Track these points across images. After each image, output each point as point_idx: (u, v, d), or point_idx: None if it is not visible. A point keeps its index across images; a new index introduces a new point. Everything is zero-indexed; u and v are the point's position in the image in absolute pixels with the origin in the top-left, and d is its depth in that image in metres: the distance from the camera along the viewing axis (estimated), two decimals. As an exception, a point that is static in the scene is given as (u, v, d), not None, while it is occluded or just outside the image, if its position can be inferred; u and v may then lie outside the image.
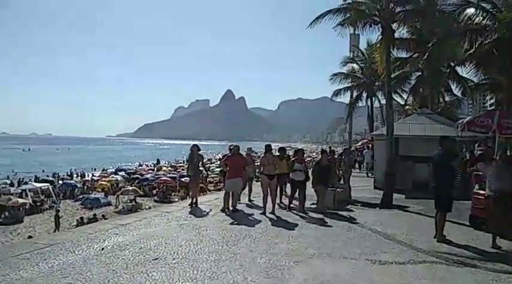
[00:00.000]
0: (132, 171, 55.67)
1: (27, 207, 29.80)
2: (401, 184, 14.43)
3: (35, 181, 41.58)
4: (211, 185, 36.93)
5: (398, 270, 6.00)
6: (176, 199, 30.76)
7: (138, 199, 32.45)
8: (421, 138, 15.56)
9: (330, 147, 29.59)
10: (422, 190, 13.27)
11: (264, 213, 10.55)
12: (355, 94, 32.53)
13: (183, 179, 35.22)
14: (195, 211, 11.04)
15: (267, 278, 5.57)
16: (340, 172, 15.28)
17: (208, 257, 6.49)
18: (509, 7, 14.37)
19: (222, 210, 10.92)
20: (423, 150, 13.43)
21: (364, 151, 29.30)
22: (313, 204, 11.64)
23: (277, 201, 11.75)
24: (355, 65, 31.80)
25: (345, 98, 33.80)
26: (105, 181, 42.61)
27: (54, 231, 22.23)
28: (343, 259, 6.55)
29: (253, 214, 10.58)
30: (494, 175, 7.78)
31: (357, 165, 28.32)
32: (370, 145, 27.45)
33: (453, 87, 26.45)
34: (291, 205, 11.54)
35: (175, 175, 41.08)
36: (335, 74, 31.82)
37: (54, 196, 34.84)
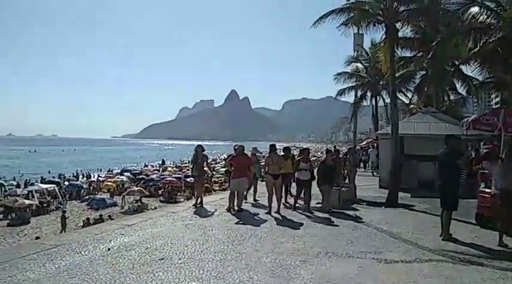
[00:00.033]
0: (137, 171, 55.85)
1: (33, 208, 29.99)
2: (406, 183, 14.40)
3: (41, 183, 41.80)
4: (217, 185, 36.98)
5: (405, 269, 6.00)
6: (182, 199, 30.84)
7: (144, 200, 32.59)
8: (426, 136, 15.52)
9: (334, 147, 29.59)
10: (428, 189, 13.23)
11: (269, 213, 10.56)
12: (359, 93, 32.46)
13: (188, 179, 35.29)
14: (201, 211, 11.07)
15: (272, 277, 5.58)
16: (345, 171, 15.27)
17: (214, 257, 6.50)
18: (514, 5, 14.32)
19: (228, 210, 10.96)
20: (428, 149, 13.41)
21: (369, 150, 29.27)
22: (318, 203, 11.65)
23: (283, 200, 11.76)
24: (359, 64, 31.75)
25: (349, 97, 33.80)
26: (110, 181, 42.79)
27: (61, 232, 22.34)
28: (348, 258, 6.55)
29: (258, 214, 10.60)
30: (500, 174, 7.74)
31: (362, 164, 28.28)
32: (375, 144, 27.42)
33: (458, 85, 26.36)
34: (296, 205, 11.55)
35: (180, 176, 41.15)
36: (339, 73, 31.77)
37: (60, 197, 35.01)
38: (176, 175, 42.31)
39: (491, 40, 14.71)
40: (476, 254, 6.80)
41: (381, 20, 13.48)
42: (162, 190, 37.52)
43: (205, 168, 12.75)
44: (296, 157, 13.17)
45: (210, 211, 10.96)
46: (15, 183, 44.79)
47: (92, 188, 41.80)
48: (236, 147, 12.00)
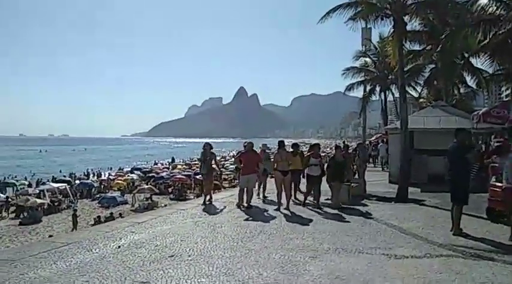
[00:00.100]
0: (147, 169, 56.18)
1: (45, 206, 30.24)
2: (416, 178, 14.32)
3: (53, 182, 42.23)
4: (226, 182, 37.07)
5: (414, 264, 5.96)
6: (191, 197, 30.93)
7: (154, 198, 32.77)
8: (436, 131, 15.40)
9: (344, 142, 29.51)
10: (438, 183, 13.10)
11: (278, 209, 10.57)
12: (368, 88, 32.32)
13: (197, 177, 35.43)
14: (210, 208, 11.10)
15: (282, 273, 5.58)
16: (355, 166, 15.21)
17: (223, 253, 6.52)
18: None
19: (237, 205, 11.04)
20: (438, 143, 13.29)
21: (378, 145, 29.10)
22: (327, 199, 11.62)
23: (292, 197, 11.75)
24: (367, 59, 31.57)
25: (358, 92, 33.62)
26: (121, 180, 43.09)
27: (72, 230, 22.55)
28: (358, 253, 6.53)
29: (267, 210, 10.60)
30: (511, 167, 7.65)
31: (371, 159, 28.15)
32: (384, 139, 27.26)
33: (468, 78, 26.08)
34: (306, 201, 11.53)
35: (190, 173, 41.32)
36: (348, 68, 31.62)
37: (71, 195, 35.34)
38: (186, 173, 42.48)
39: (500, 32, 14.55)
40: (487, 249, 6.73)
41: (389, 14, 13.39)
42: (172, 187, 37.74)
43: (214, 166, 12.80)
44: (306, 153, 13.13)
45: (219, 208, 10.99)
46: (26, 182, 45.28)
47: (102, 186, 42.16)
48: (245, 144, 12.05)
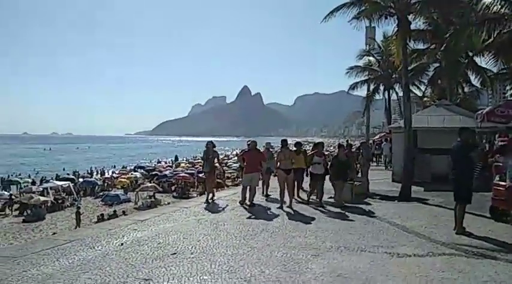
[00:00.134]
0: (151, 167, 56.27)
1: (48, 204, 30.33)
2: (419, 177, 14.29)
3: (56, 180, 42.34)
4: (229, 180, 37.09)
5: (417, 263, 5.95)
6: (194, 195, 31.00)
7: (157, 196, 32.86)
8: (440, 130, 15.35)
9: (347, 141, 29.42)
10: (441, 182, 13.04)
11: (281, 207, 10.57)
12: (372, 87, 32.18)
13: (200, 175, 35.47)
14: (213, 206, 11.13)
15: (284, 271, 5.58)
16: (358, 165, 15.19)
17: (225, 251, 6.53)
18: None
19: (240, 203, 11.08)
20: (442, 142, 13.22)
21: (382, 144, 29.06)
22: (330, 197, 11.61)
23: (294, 195, 11.75)
24: (371, 58, 31.46)
25: (362, 91, 33.53)
26: (124, 178, 43.11)
27: (75, 228, 22.58)
28: (360, 252, 6.52)
29: (270, 209, 10.60)
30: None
31: (374, 158, 28.10)
32: (388, 138, 27.20)
33: (472, 77, 25.92)
34: (310, 199, 11.53)
35: (193, 171, 41.33)
36: (351, 67, 31.50)
37: (74, 193, 35.37)
38: (189, 171, 42.50)
39: (505, 30, 14.44)
40: (490, 248, 6.71)
41: (393, 12, 13.33)
42: (175, 186, 37.79)
43: (216, 164, 12.83)
44: (309, 151, 13.13)
45: (222, 206, 11.01)
46: (30, 180, 45.44)
47: (106, 184, 42.23)
48: (249, 143, 12.09)
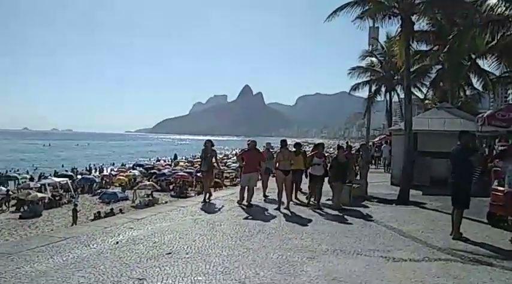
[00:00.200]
0: (149, 166, 56.20)
1: (46, 201, 30.32)
2: (418, 180, 14.22)
3: (55, 176, 42.29)
4: (228, 180, 37.04)
5: (412, 267, 5.91)
6: (192, 194, 30.97)
7: (155, 194, 32.81)
8: (440, 133, 15.27)
9: (347, 143, 29.30)
10: (441, 186, 12.95)
11: (278, 209, 10.52)
12: (373, 88, 32.09)
13: (199, 174, 35.44)
14: (210, 206, 11.08)
15: (279, 273, 5.53)
16: (357, 167, 15.13)
17: (221, 252, 6.49)
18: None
19: (238, 203, 11.04)
20: (442, 145, 13.13)
21: (382, 147, 28.98)
22: (328, 199, 11.55)
23: (292, 196, 11.69)
24: (374, 59, 31.34)
25: (364, 93, 33.39)
26: (123, 176, 43.11)
27: (72, 225, 22.56)
28: (356, 255, 6.48)
29: (267, 210, 10.56)
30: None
31: (374, 161, 28.03)
32: (388, 141, 27.13)
33: (474, 80, 25.81)
34: (309, 202, 11.47)
35: (192, 171, 41.29)
36: (353, 68, 31.37)
37: (72, 190, 35.37)
38: (188, 170, 42.45)
39: (509, 33, 14.36)
40: (486, 254, 6.66)
41: (397, 13, 13.25)
42: (173, 185, 37.75)
43: (215, 163, 12.77)
44: (309, 152, 13.06)
45: (219, 206, 10.96)
46: (28, 176, 45.39)
47: (104, 182, 42.13)
48: (249, 142, 12.02)
